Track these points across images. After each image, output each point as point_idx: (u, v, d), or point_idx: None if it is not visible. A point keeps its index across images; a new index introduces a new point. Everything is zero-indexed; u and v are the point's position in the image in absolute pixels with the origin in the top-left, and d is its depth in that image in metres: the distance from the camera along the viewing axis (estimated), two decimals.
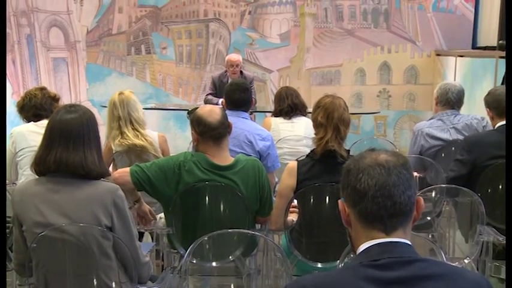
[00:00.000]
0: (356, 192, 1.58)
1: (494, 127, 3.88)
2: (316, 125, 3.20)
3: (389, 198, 1.55)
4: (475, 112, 5.36)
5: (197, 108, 3.48)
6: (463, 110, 4.62)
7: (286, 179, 3.24)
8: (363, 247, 1.58)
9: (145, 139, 4.14)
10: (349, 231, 1.66)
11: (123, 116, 4.12)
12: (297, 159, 3.48)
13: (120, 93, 4.23)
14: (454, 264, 2.49)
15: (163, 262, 3.70)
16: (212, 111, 3.25)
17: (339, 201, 1.66)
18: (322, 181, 3.11)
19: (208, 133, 3.18)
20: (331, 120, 3.13)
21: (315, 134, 3.23)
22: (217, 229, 2.83)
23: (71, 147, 2.50)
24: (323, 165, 3.16)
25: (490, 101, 3.89)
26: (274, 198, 3.83)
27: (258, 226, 3.56)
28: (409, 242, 1.58)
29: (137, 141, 4.10)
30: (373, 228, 1.58)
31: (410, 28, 8.65)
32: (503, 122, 3.73)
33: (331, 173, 3.08)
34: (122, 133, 4.13)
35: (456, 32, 8.45)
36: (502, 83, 5.42)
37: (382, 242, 1.56)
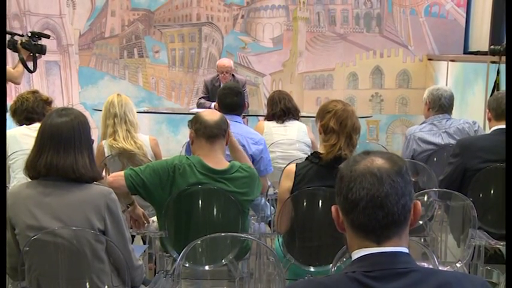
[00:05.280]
0: (348, 202, 1.55)
1: (490, 129, 3.87)
2: (327, 131, 3.13)
3: (381, 209, 1.51)
4: (466, 116, 5.39)
5: None
6: (455, 114, 4.65)
7: (283, 182, 3.24)
8: (356, 254, 1.57)
9: (134, 142, 4.18)
10: (345, 235, 1.64)
11: (119, 114, 4.19)
12: (292, 162, 3.47)
13: (119, 95, 4.32)
14: (452, 270, 2.48)
15: (155, 265, 3.69)
16: (213, 113, 3.34)
17: (333, 207, 1.63)
18: (323, 184, 3.09)
19: (202, 130, 3.21)
20: (344, 127, 3.09)
21: (325, 140, 3.16)
22: (210, 233, 2.83)
23: (61, 151, 2.49)
24: (328, 169, 3.11)
25: (491, 101, 3.89)
26: (267, 203, 3.84)
27: (251, 230, 3.56)
28: (404, 250, 1.55)
29: (126, 145, 4.14)
30: (365, 238, 1.55)
31: (402, 32, 8.68)
32: (499, 126, 3.73)
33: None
34: (115, 131, 4.17)
35: (448, 37, 8.49)
36: (494, 88, 5.45)
37: (374, 253, 1.54)
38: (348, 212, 1.56)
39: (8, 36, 5.49)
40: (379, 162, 1.56)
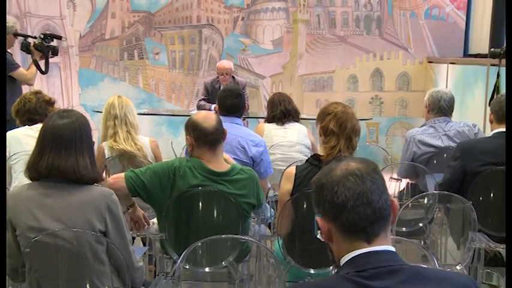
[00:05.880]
0: (335, 206, 1.58)
1: (491, 131, 3.87)
2: (327, 133, 3.14)
3: (369, 206, 1.56)
4: (466, 119, 5.39)
5: None
6: (455, 117, 4.65)
7: (283, 184, 3.25)
8: (346, 258, 1.58)
9: (134, 143, 4.20)
10: (330, 246, 1.66)
11: (119, 115, 4.20)
12: (292, 164, 3.48)
13: (119, 97, 4.34)
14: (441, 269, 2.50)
15: (155, 267, 3.70)
16: (207, 117, 3.26)
17: (317, 218, 1.65)
18: None
19: (204, 138, 3.19)
20: (344, 129, 3.09)
21: (324, 142, 3.16)
22: (210, 235, 2.83)
23: (62, 153, 2.50)
24: None
25: (494, 104, 3.89)
26: (267, 205, 3.85)
27: (251, 232, 3.56)
28: (392, 249, 1.60)
29: (127, 147, 4.14)
30: (356, 239, 1.58)
31: (402, 35, 8.69)
32: (500, 130, 3.73)
33: None
34: (115, 133, 4.17)
35: (448, 40, 8.51)
36: (494, 91, 5.45)
37: (365, 252, 1.57)
38: (336, 216, 1.59)
39: (21, 39, 5.68)
40: (354, 164, 1.62)
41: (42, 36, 5.60)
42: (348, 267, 1.57)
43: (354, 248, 1.58)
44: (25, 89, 5.63)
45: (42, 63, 5.59)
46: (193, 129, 3.21)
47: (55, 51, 5.63)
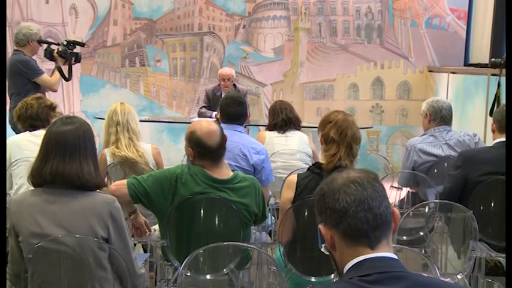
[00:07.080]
0: (336, 212, 1.61)
1: (493, 140, 3.87)
2: (328, 141, 3.16)
3: (370, 211, 1.59)
4: (466, 129, 5.40)
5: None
6: (455, 126, 4.66)
7: (285, 192, 3.26)
8: (350, 264, 1.60)
9: (136, 150, 4.20)
10: (333, 255, 1.67)
11: (121, 122, 4.21)
12: (293, 172, 3.48)
13: (122, 103, 4.36)
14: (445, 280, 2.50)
15: (156, 274, 3.70)
16: (211, 133, 3.21)
17: (320, 226, 1.67)
18: None
19: (208, 156, 3.19)
20: (344, 137, 3.11)
21: (325, 150, 3.18)
22: (212, 242, 2.84)
23: (67, 159, 2.51)
24: None
25: (496, 113, 3.89)
26: (268, 213, 3.86)
27: (252, 239, 3.57)
28: (395, 256, 1.61)
29: (128, 154, 4.15)
30: (358, 244, 1.60)
31: (403, 44, 8.72)
32: (502, 139, 3.73)
33: None
34: (117, 139, 4.18)
35: (448, 49, 8.53)
36: (494, 101, 5.47)
37: (369, 258, 1.58)
38: (338, 222, 1.61)
39: (44, 45, 5.80)
40: (355, 173, 1.67)
41: (65, 43, 5.74)
42: (352, 272, 1.58)
43: (358, 254, 1.59)
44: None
45: (65, 70, 5.70)
46: (197, 145, 3.19)
47: (78, 58, 5.77)
